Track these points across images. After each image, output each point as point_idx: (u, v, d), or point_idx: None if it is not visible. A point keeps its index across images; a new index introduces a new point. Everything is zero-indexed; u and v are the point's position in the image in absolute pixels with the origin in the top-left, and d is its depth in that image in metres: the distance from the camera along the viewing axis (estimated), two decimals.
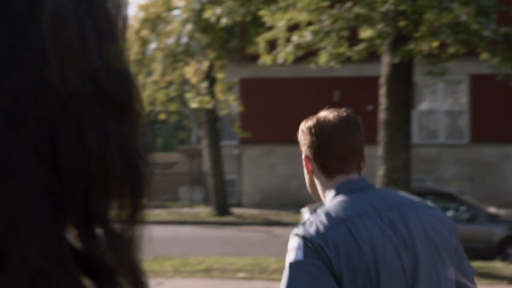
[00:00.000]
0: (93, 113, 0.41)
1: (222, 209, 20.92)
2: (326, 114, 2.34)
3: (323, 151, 2.26)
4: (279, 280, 8.20)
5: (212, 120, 21.14)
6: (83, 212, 0.42)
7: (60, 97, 0.40)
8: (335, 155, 2.25)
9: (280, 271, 10.74)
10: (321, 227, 2.05)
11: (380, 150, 11.75)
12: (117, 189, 0.43)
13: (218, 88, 20.48)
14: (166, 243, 15.12)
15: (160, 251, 13.54)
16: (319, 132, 2.28)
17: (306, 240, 2.05)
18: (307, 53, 12.47)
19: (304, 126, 2.32)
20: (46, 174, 0.39)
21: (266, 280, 10.17)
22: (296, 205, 21.73)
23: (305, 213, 13.23)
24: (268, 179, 24.05)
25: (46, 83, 0.39)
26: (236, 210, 21.89)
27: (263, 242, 16.08)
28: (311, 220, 2.11)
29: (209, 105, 20.04)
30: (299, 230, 2.11)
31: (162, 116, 23.36)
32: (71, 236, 0.42)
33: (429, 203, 2.27)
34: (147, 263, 11.69)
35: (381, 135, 11.74)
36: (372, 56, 16.29)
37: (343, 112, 2.36)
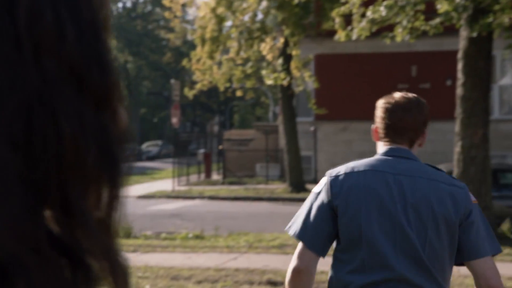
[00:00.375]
0: (69, 103, 0.42)
1: (298, 185, 20.97)
2: (396, 95, 2.81)
3: (384, 124, 2.77)
4: None
5: (287, 96, 21.14)
6: (60, 199, 0.43)
7: (36, 87, 0.41)
8: (392, 128, 2.75)
9: None
10: (341, 171, 2.70)
11: (457, 126, 11.54)
12: (93, 177, 0.44)
13: (294, 64, 20.42)
14: (242, 219, 15.30)
15: (235, 227, 13.71)
16: (385, 109, 2.77)
17: (327, 177, 2.73)
18: (383, 28, 12.30)
19: (378, 102, 2.84)
20: (20, 162, 0.41)
21: None
22: None
23: None
24: (343, 155, 23.92)
25: (22, 73, 0.41)
26: (311, 187, 21.87)
27: None
28: (342, 166, 2.76)
29: (285, 82, 20.03)
30: (333, 170, 2.76)
31: (239, 93, 23.48)
32: (49, 222, 0.44)
33: (455, 181, 2.68)
34: (222, 239, 11.87)
35: (458, 111, 11.52)
36: (451, 29, 15.91)
37: (410, 95, 2.82)
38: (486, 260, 2.58)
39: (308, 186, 21.45)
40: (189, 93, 22.61)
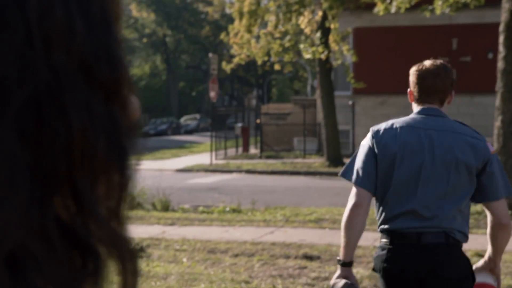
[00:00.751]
0: (78, 95, 0.43)
1: (335, 159, 20.92)
2: (427, 62, 3.45)
3: (418, 88, 3.36)
4: None
5: (325, 70, 21.01)
6: (70, 189, 0.44)
7: (46, 80, 0.42)
8: (424, 91, 3.33)
9: None
10: (382, 127, 3.37)
11: (497, 101, 11.37)
12: (102, 168, 0.45)
13: (332, 38, 20.27)
14: (279, 193, 15.35)
15: (272, 201, 13.76)
16: (417, 75, 3.39)
17: (370, 132, 3.40)
18: (422, 1, 12.14)
19: (411, 69, 3.47)
20: (29, 153, 0.42)
21: (375, 231, 10.15)
22: None
23: None
24: None
25: (32, 65, 0.42)
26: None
27: None
28: (383, 122, 3.41)
29: (323, 56, 19.91)
30: (376, 126, 3.46)
31: (276, 67, 23.42)
32: (60, 211, 0.45)
33: (476, 134, 3.32)
34: (259, 213, 11.93)
35: (499, 85, 11.34)
36: (493, 1, 15.64)
37: (439, 61, 3.46)
38: (500, 202, 3.23)
39: (345, 160, 21.38)
40: (227, 67, 22.63)
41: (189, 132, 49.94)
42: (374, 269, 3.36)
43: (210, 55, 25.50)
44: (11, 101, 0.41)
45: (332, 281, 3.37)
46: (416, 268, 3.13)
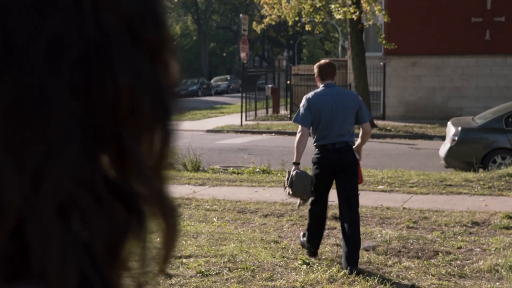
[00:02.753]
0: (125, 53, 0.45)
1: None
2: (322, 61, 6.67)
3: (321, 73, 6.48)
4: (419, 193, 8.26)
5: (356, 31, 20.79)
6: (116, 145, 0.46)
7: (95, 38, 0.44)
8: (325, 74, 6.45)
9: (420, 184, 10.67)
10: (310, 95, 6.41)
11: None
12: (147, 125, 0.47)
13: None
14: (308, 154, 15.33)
15: (302, 163, 13.78)
16: (320, 66, 6.52)
17: (305, 97, 6.48)
18: None
19: (316, 64, 6.60)
20: (79, 109, 0.44)
21: (405, 193, 10.16)
22: (441, 118, 21.26)
23: (450, 126, 12.94)
24: (413, 91, 23.57)
25: (82, 25, 0.44)
26: (380, 122, 21.72)
27: (406, 155, 15.96)
28: (310, 93, 6.51)
29: (354, 16, 19.70)
30: (307, 94, 6.53)
31: (307, 28, 23.24)
32: (106, 167, 0.47)
33: (353, 92, 7.09)
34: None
35: None
36: None
37: (328, 61, 6.65)
38: (366, 123, 6.52)
39: (376, 122, 21.29)
40: (258, 28, 22.50)
41: (220, 93, 49.93)
42: (313, 162, 6.53)
43: (241, 15, 25.38)
44: (64, 58, 0.43)
45: (292, 173, 6.52)
46: (334, 159, 6.32)
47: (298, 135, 6.37)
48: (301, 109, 6.33)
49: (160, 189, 0.49)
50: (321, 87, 6.41)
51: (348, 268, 6.08)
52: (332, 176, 6.37)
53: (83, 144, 0.45)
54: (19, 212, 0.42)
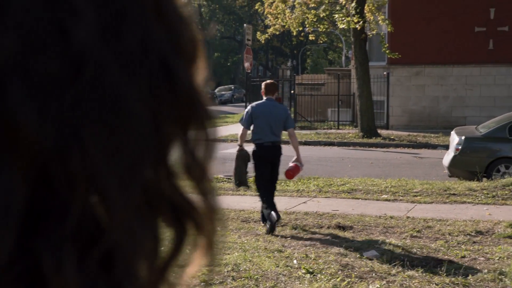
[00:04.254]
0: (179, 62, 0.48)
1: (369, 130, 20.83)
2: (268, 81, 9.00)
3: (265, 89, 8.65)
4: (423, 202, 8.28)
5: (360, 41, 20.84)
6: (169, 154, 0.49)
7: (162, 50, 0.46)
8: (268, 91, 8.66)
9: (423, 193, 10.67)
10: (254, 104, 8.71)
11: None
12: (199, 128, 0.50)
13: (367, 7, 20.09)
14: (312, 163, 15.35)
15: (305, 171, 13.79)
16: (265, 84, 8.76)
17: (249, 106, 8.77)
18: None
19: (263, 83, 8.90)
20: (151, 118, 0.46)
21: (408, 202, 10.16)
22: (445, 127, 21.26)
23: (454, 135, 12.95)
24: (416, 100, 23.58)
25: (151, 42, 0.46)
26: (383, 132, 21.73)
27: (409, 164, 15.95)
28: (254, 102, 8.98)
29: (358, 26, 19.76)
30: (252, 103, 8.96)
31: (311, 37, 23.30)
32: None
33: (283, 106, 9.35)
34: (292, 183, 11.98)
35: None
36: None
37: (272, 81, 9.15)
38: (291, 129, 8.66)
39: (380, 131, 21.30)
40: (262, 37, 22.56)
41: (224, 102, 50.00)
42: (252, 155, 8.67)
43: (245, 25, 25.44)
44: (138, 71, 0.46)
45: (236, 152, 8.85)
46: (267, 153, 8.49)
47: (240, 133, 8.79)
48: (245, 115, 8.58)
49: (214, 202, 0.52)
50: (264, 99, 8.62)
51: (276, 216, 8.23)
52: (266, 164, 8.57)
53: (154, 154, 0.47)
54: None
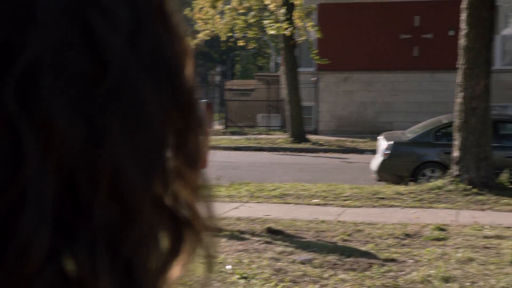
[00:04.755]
0: (181, 69, 0.49)
1: (299, 136, 21.04)
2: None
3: None
4: (353, 206, 8.50)
5: (289, 47, 21.03)
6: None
7: (167, 58, 0.48)
8: None
9: (353, 198, 10.83)
10: None
11: (459, 77, 11.53)
12: (194, 134, 0.51)
13: (296, 14, 20.30)
14: (243, 169, 15.41)
15: (236, 177, 13.81)
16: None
17: None
18: None
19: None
20: (164, 120, 0.47)
21: (339, 206, 10.30)
22: (372, 132, 21.65)
23: (382, 140, 13.20)
24: (345, 106, 23.94)
25: (161, 48, 0.47)
26: (313, 137, 21.96)
27: (338, 168, 16.17)
28: None
29: (287, 32, 19.93)
30: None
31: (240, 43, 23.37)
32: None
33: None
34: (224, 188, 11.99)
35: (461, 61, 11.49)
36: None
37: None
38: None
39: (309, 136, 21.53)
40: (191, 43, 22.46)
41: None
42: None
43: None
44: (162, 84, 0.47)
45: None
46: None
47: None
48: None
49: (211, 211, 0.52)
50: None
51: None
52: None
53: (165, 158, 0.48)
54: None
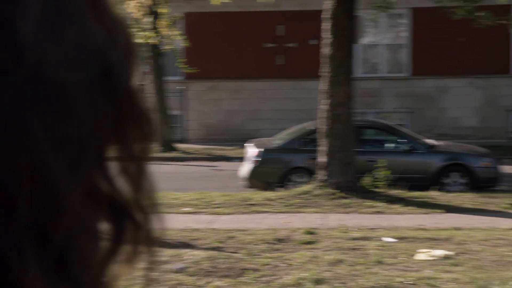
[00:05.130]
0: (118, 61, 0.48)
1: (167, 144, 20.93)
2: None
3: None
4: (224, 213, 8.57)
5: (156, 55, 20.91)
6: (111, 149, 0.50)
7: (99, 49, 0.47)
8: None
9: (224, 205, 10.92)
10: None
11: (323, 85, 11.88)
12: (136, 127, 0.50)
13: (162, 23, 20.21)
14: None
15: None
16: None
17: None
18: None
19: None
20: (93, 112, 0.46)
21: (210, 214, 10.35)
22: (240, 140, 21.89)
23: (251, 147, 13.38)
24: (213, 114, 24.08)
25: (90, 39, 0.46)
26: (181, 146, 21.93)
27: (208, 176, 16.24)
28: None
29: (153, 41, 19.80)
30: None
31: None
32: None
33: None
34: None
35: (325, 69, 11.85)
36: None
37: None
38: None
39: (177, 145, 21.47)
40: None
41: None
42: None
43: None
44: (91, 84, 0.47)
45: None
46: None
47: None
48: None
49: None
50: None
51: None
52: None
53: (98, 149, 0.47)
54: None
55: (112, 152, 0.49)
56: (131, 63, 0.51)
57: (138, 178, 0.51)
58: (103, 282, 0.49)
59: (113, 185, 0.49)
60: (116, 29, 0.50)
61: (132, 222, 0.50)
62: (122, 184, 0.50)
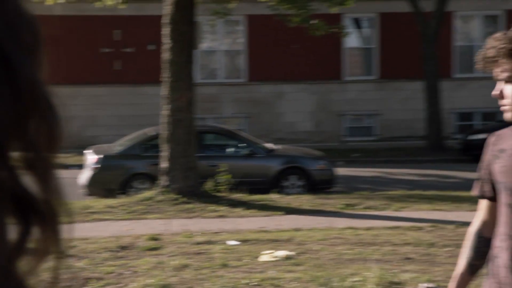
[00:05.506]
0: (19, 53, 0.45)
1: None
2: None
3: None
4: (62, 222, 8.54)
5: None
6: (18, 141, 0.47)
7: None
8: None
9: (63, 214, 10.62)
10: None
11: (164, 90, 11.85)
12: (41, 120, 0.47)
13: None
14: None
15: None
16: None
17: None
18: None
19: None
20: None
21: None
22: (78, 147, 21.34)
23: (91, 154, 13.08)
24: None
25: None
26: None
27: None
28: None
29: None
30: None
31: None
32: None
33: None
34: None
35: (165, 75, 11.82)
36: None
37: None
38: None
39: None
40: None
41: None
42: None
43: None
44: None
45: None
46: None
47: None
48: None
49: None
50: None
51: None
52: None
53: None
54: None
55: (16, 145, 0.47)
56: (35, 57, 0.50)
57: (45, 174, 0.49)
58: (12, 274, 0.47)
59: (15, 176, 0.47)
60: (18, 23, 0.48)
61: (39, 218, 0.48)
62: (29, 180, 0.49)
